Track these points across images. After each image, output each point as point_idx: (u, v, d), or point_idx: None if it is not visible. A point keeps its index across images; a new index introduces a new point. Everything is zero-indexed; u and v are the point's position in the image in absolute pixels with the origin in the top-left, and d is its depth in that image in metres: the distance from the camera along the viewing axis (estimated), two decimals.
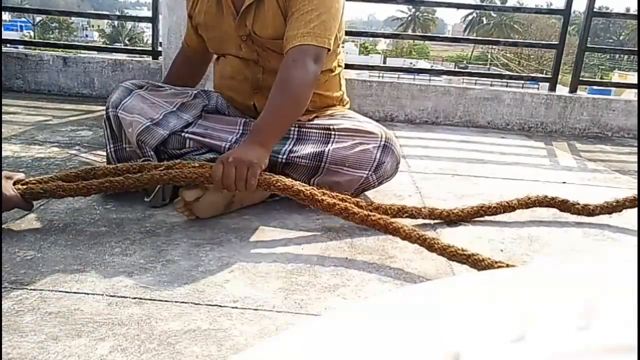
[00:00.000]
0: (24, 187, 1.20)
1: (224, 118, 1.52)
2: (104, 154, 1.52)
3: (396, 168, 1.45)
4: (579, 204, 1.48)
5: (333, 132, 1.42)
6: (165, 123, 1.40)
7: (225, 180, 1.17)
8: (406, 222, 1.37)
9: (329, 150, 1.37)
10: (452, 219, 1.40)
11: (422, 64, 28.82)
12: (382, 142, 1.39)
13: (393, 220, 1.17)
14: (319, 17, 1.34)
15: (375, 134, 1.40)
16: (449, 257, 1.09)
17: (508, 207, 1.44)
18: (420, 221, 1.38)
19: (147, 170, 1.25)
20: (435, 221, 1.40)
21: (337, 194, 1.29)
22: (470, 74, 9.21)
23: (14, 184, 1.21)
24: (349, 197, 1.31)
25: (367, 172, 1.37)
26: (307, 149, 1.39)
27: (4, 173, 1.23)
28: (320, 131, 1.43)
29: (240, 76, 1.52)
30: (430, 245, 1.11)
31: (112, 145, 1.46)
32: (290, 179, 1.23)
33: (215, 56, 1.65)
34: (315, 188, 1.25)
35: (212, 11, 1.47)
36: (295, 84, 1.31)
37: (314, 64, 1.33)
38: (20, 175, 1.26)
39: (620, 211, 1.48)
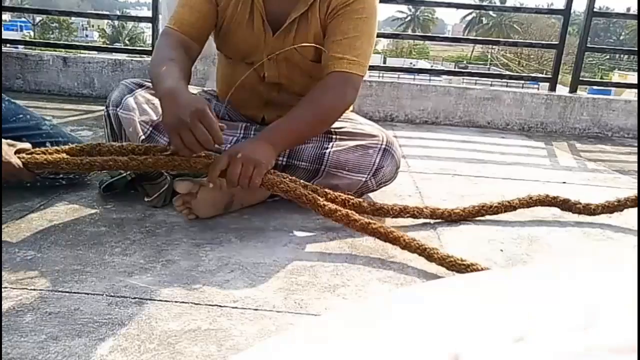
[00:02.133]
0: (28, 156, 1.15)
1: (225, 122, 1.50)
2: None
3: (395, 172, 1.45)
4: (580, 203, 1.48)
5: (334, 135, 1.42)
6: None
7: (229, 175, 1.15)
8: (408, 222, 1.38)
9: (329, 153, 1.37)
10: (454, 218, 1.40)
11: (422, 64, 28.82)
12: (383, 146, 1.39)
13: (393, 229, 1.18)
14: (362, 45, 1.35)
15: (376, 137, 1.40)
16: (448, 267, 1.10)
17: (509, 207, 1.44)
18: (421, 220, 1.39)
19: (152, 154, 1.21)
20: (436, 220, 1.40)
21: (340, 193, 1.29)
22: (470, 74, 9.19)
23: (18, 152, 1.16)
24: (352, 196, 1.30)
25: (366, 175, 1.37)
26: (308, 151, 1.39)
27: (7, 141, 1.17)
28: (321, 134, 1.42)
29: (251, 89, 1.49)
30: (430, 255, 1.12)
31: None
32: (293, 181, 1.23)
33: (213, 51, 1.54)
34: (318, 188, 1.25)
35: (241, 19, 1.40)
36: (327, 108, 1.32)
37: (353, 93, 1.35)
38: (26, 145, 1.20)
39: (622, 210, 1.48)
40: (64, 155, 1.19)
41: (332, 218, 1.20)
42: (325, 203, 1.20)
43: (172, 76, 1.20)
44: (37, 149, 1.20)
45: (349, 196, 1.29)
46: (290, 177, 1.23)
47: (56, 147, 1.23)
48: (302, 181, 1.26)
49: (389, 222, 1.36)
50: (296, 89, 1.47)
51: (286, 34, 1.39)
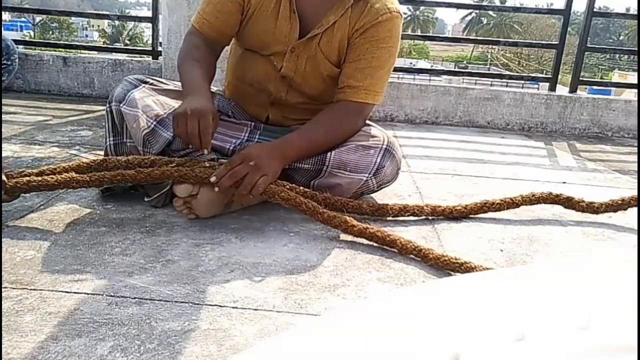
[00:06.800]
0: (38, 178, 1.20)
1: (230, 123, 1.49)
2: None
3: (396, 173, 1.45)
4: (583, 201, 1.48)
5: None
6: (169, 123, 1.38)
7: (234, 173, 1.19)
8: (408, 222, 1.38)
9: (331, 154, 1.37)
10: (455, 215, 1.40)
11: (422, 64, 28.83)
12: (384, 146, 1.39)
13: (390, 233, 1.20)
14: (381, 77, 1.39)
15: (377, 137, 1.40)
16: (442, 266, 1.12)
17: (512, 204, 1.44)
18: (422, 219, 1.39)
19: (158, 166, 1.26)
20: (437, 220, 1.40)
21: (339, 198, 1.31)
22: (470, 74, 9.16)
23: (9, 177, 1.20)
24: (350, 200, 1.32)
25: (367, 175, 1.37)
26: None
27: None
28: None
29: (260, 86, 1.49)
30: (425, 256, 1.14)
31: (111, 139, 1.44)
32: (292, 189, 1.25)
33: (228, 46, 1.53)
34: (317, 194, 1.28)
35: (266, 7, 1.40)
36: (338, 134, 1.38)
37: (363, 121, 1.43)
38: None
39: (626, 209, 1.48)
40: (73, 174, 1.24)
41: (330, 224, 1.22)
42: (324, 210, 1.23)
43: (196, 77, 1.31)
44: (44, 168, 1.26)
45: (348, 200, 1.32)
46: (290, 185, 1.26)
47: (64, 166, 1.28)
48: (301, 188, 1.28)
49: (390, 221, 1.36)
50: (305, 90, 1.47)
51: (314, 33, 1.39)
